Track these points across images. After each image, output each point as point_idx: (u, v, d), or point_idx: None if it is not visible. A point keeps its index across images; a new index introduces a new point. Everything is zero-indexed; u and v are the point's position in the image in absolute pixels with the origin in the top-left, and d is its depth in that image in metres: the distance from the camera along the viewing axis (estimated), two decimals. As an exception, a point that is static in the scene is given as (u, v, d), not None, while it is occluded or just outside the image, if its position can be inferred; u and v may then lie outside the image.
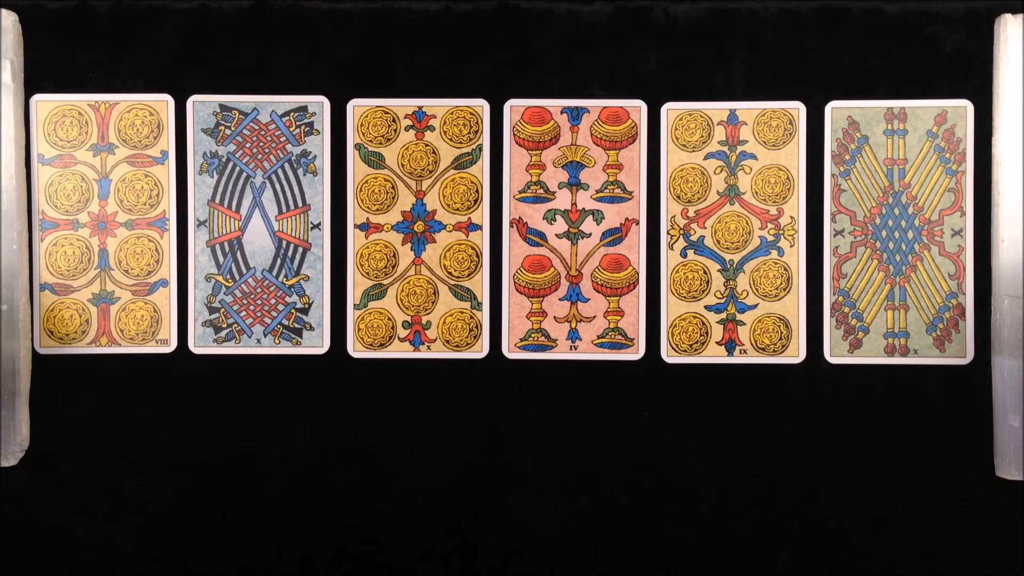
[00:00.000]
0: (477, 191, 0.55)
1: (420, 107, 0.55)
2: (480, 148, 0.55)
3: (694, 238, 0.55)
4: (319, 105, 0.55)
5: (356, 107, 0.55)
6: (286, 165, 0.55)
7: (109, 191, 0.55)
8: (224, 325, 0.55)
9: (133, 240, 0.55)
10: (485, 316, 0.55)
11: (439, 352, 0.55)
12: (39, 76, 0.54)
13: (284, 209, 0.55)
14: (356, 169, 0.55)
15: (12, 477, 0.54)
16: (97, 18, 0.55)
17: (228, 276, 0.55)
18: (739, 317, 0.55)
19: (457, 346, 0.55)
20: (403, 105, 0.55)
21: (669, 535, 0.55)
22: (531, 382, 0.55)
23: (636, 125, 0.55)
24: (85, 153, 0.54)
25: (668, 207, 0.55)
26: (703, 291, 0.55)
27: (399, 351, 0.55)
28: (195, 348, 0.55)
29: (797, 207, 0.55)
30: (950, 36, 0.54)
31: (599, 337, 0.55)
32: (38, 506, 0.54)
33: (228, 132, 0.55)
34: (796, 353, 0.55)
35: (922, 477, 0.54)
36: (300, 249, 0.55)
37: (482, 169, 0.55)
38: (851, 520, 0.54)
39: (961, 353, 0.54)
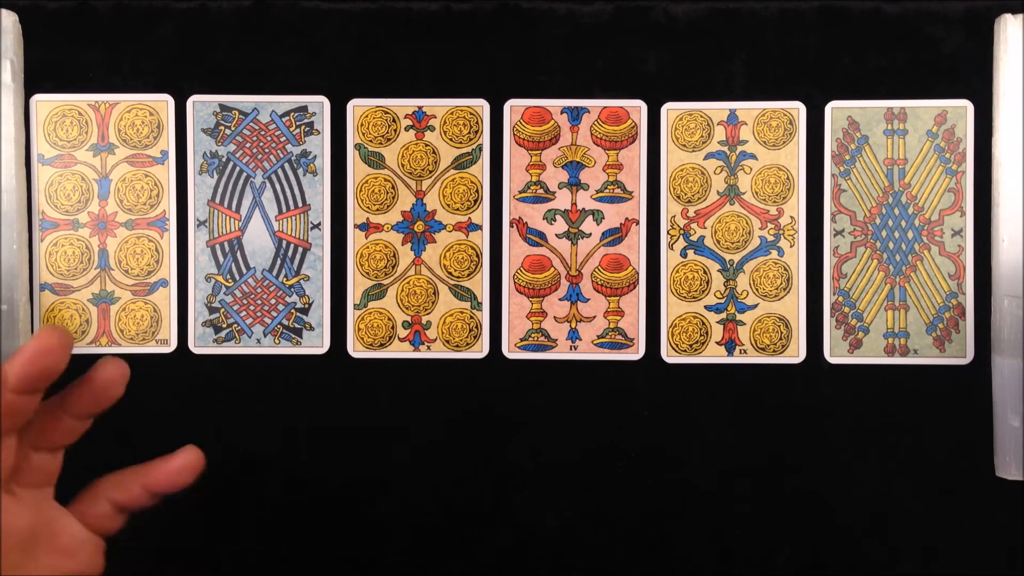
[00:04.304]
0: (477, 191, 0.55)
1: (420, 107, 0.55)
2: (480, 148, 0.55)
3: (694, 238, 0.55)
4: (319, 105, 0.55)
5: (356, 107, 0.55)
6: (286, 165, 0.55)
7: (109, 191, 0.55)
8: (224, 325, 0.55)
9: (133, 240, 0.55)
10: (485, 316, 0.55)
11: (439, 352, 0.55)
12: (39, 76, 0.54)
13: (284, 209, 0.55)
14: (356, 169, 0.55)
15: (12, 477, 0.54)
16: (97, 18, 0.55)
17: (228, 276, 0.55)
18: (739, 317, 0.55)
19: (457, 346, 0.55)
20: (403, 105, 0.55)
21: (669, 535, 0.55)
22: (531, 382, 0.55)
23: (636, 125, 0.55)
24: (85, 153, 0.54)
25: (668, 207, 0.55)
26: (703, 291, 0.55)
27: (399, 351, 0.55)
28: (195, 348, 0.55)
29: (797, 207, 0.55)
30: (950, 36, 0.54)
31: (599, 337, 0.55)
32: (38, 506, 0.54)
33: (228, 132, 0.55)
34: (796, 353, 0.55)
35: (922, 477, 0.54)
36: (300, 249, 0.55)
37: (482, 169, 0.55)
38: (851, 520, 0.54)
39: (961, 353, 0.54)
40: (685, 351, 0.55)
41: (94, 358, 0.55)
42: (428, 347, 0.55)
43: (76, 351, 0.54)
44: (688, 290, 0.55)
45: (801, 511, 0.54)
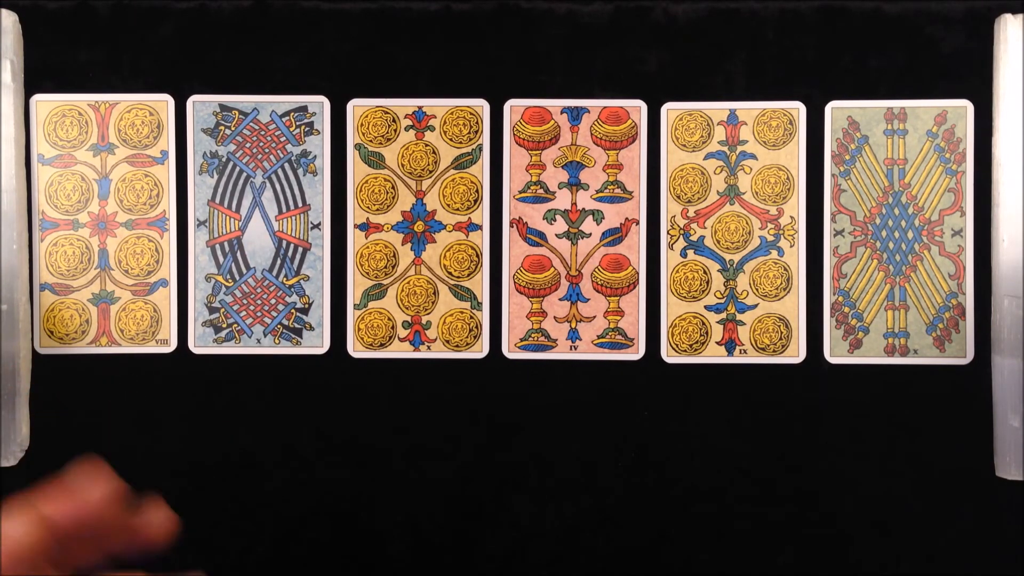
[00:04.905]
0: (477, 191, 0.55)
1: (420, 107, 0.55)
2: (480, 148, 0.55)
3: (694, 238, 0.55)
4: (319, 105, 0.55)
5: (356, 107, 0.55)
6: (286, 165, 0.55)
7: (109, 191, 0.55)
8: (224, 325, 0.55)
9: (133, 240, 0.55)
10: (485, 316, 0.55)
11: (439, 352, 0.55)
12: (39, 76, 0.54)
13: (284, 209, 0.55)
14: (356, 169, 0.55)
15: (12, 477, 0.54)
16: (97, 18, 0.55)
17: (228, 276, 0.55)
18: (739, 317, 0.55)
19: (457, 346, 0.55)
20: (403, 105, 0.55)
21: (669, 535, 0.55)
22: (531, 382, 0.55)
23: (636, 125, 0.55)
24: (85, 153, 0.54)
25: (668, 207, 0.55)
26: (703, 291, 0.55)
27: (399, 351, 0.55)
28: (195, 348, 0.55)
29: (797, 207, 0.55)
30: (950, 36, 0.54)
31: (599, 337, 0.55)
32: (38, 506, 0.54)
33: (228, 132, 0.55)
34: (796, 353, 0.55)
35: (922, 477, 0.54)
36: (300, 249, 0.55)
37: (482, 169, 0.55)
38: (851, 520, 0.54)
39: (961, 353, 0.54)
40: (685, 351, 0.55)
41: (94, 358, 0.55)
42: (428, 347, 0.55)
43: (76, 351, 0.55)
44: (688, 290, 0.55)
45: (801, 511, 0.54)
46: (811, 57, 0.55)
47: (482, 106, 0.55)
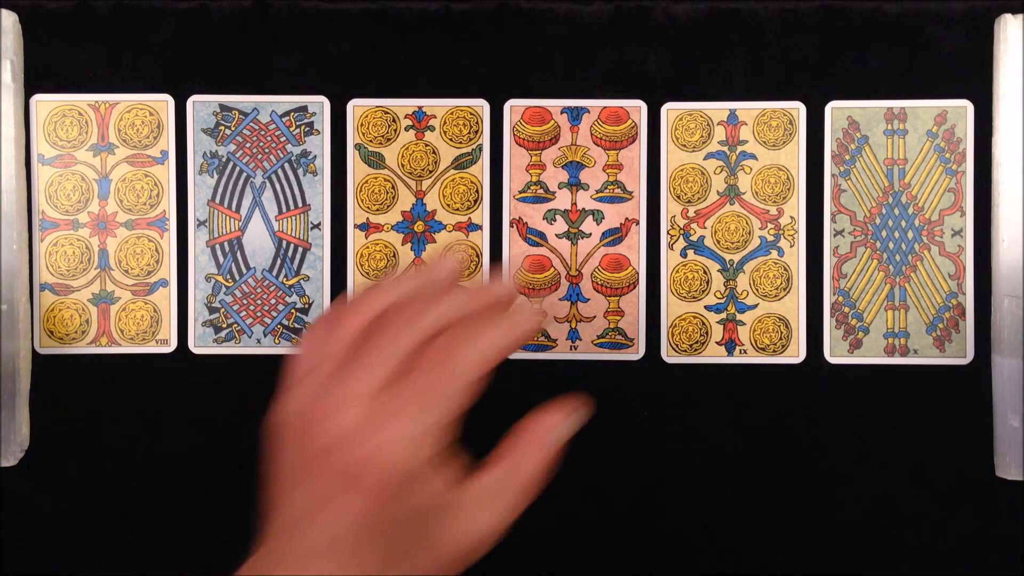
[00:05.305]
0: (477, 191, 0.55)
1: (420, 107, 0.55)
2: (480, 148, 0.55)
3: (694, 238, 0.55)
4: (319, 105, 0.55)
5: (356, 107, 0.55)
6: (286, 165, 0.55)
7: (109, 191, 0.55)
8: (224, 325, 0.55)
9: (133, 240, 0.55)
10: (485, 316, 0.55)
11: (439, 352, 0.55)
12: (39, 76, 0.54)
13: (284, 209, 0.55)
14: (356, 169, 0.55)
15: (12, 477, 0.54)
16: (97, 18, 0.55)
17: (228, 276, 0.55)
18: (739, 317, 0.55)
19: (457, 346, 0.55)
20: (403, 105, 0.55)
21: (669, 535, 0.55)
22: (531, 382, 0.55)
23: (636, 125, 0.55)
24: (85, 153, 0.54)
25: (668, 207, 0.55)
26: (703, 291, 0.55)
27: (399, 351, 0.55)
28: (195, 348, 0.55)
29: (797, 207, 0.55)
30: (950, 36, 0.54)
31: (599, 337, 0.55)
32: (38, 506, 0.54)
33: (228, 132, 0.55)
34: (796, 353, 0.55)
35: (922, 477, 0.54)
36: (300, 249, 0.55)
37: (482, 169, 0.55)
38: (851, 520, 0.54)
39: (961, 353, 0.54)
40: (685, 351, 0.55)
41: (94, 358, 0.55)
42: (428, 347, 0.55)
43: (76, 351, 0.55)
44: (688, 290, 0.55)
45: (801, 511, 0.54)
46: (811, 57, 0.55)
47: (482, 106, 0.55)
